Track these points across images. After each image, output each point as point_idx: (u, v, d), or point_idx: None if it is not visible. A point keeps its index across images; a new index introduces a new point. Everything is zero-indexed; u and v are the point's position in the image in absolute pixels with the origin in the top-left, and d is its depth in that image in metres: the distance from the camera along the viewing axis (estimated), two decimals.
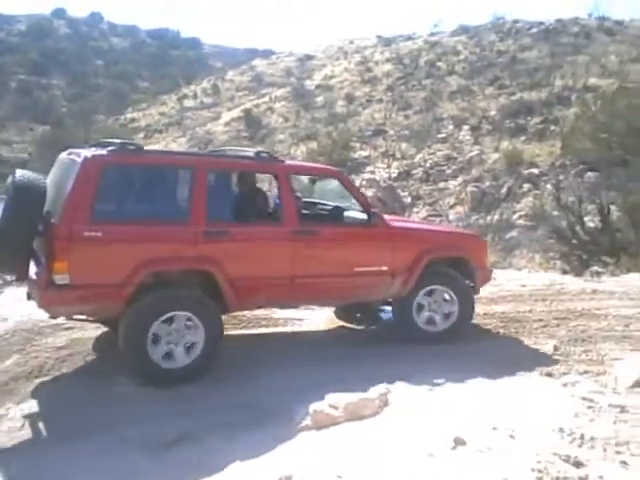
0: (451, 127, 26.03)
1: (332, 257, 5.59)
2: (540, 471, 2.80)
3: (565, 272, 10.63)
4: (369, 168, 23.05)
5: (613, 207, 13.17)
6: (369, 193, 16.00)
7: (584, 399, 4.00)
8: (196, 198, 4.96)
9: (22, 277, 5.03)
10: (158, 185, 5.20)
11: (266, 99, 38.13)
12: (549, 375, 4.98)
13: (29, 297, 5.14)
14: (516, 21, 43.18)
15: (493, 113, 26.28)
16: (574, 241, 12.08)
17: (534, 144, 22.46)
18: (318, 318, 6.71)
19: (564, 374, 4.94)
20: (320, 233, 5.47)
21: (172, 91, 49.55)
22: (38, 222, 4.62)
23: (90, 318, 5.23)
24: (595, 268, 10.87)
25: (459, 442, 3.09)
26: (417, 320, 5.89)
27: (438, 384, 4.51)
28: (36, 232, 4.63)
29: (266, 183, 8.87)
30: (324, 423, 3.94)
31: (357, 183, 18.41)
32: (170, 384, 4.68)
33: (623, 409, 3.77)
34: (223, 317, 5.06)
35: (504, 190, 18.99)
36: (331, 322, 6.59)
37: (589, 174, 18.14)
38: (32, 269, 4.84)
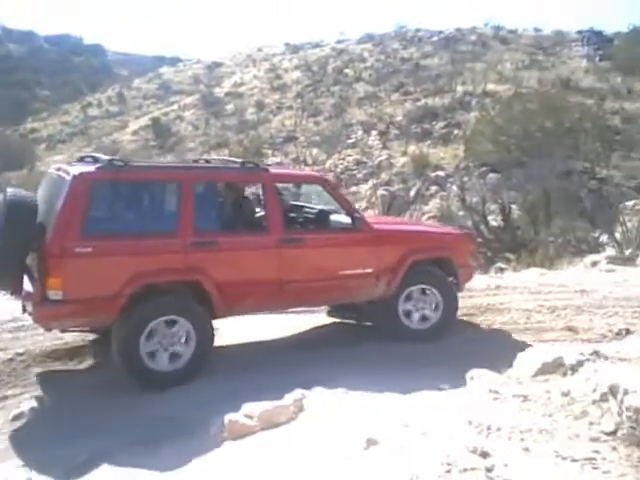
0: (360, 132, 26.53)
1: (317, 262, 5.70)
2: (449, 464, 2.88)
3: None
4: None
5: (514, 206, 13.85)
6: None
7: (490, 391, 4.14)
8: (183, 210, 5.09)
9: (16, 292, 5.09)
10: (146, 199, 5.33)
11: (175, 107, 37.50)
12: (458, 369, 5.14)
13: (24, 310, 5.20)
14: (418, 30, 44.70)
15: (400, 118, 27.02)
16: (479, 239, 12.59)
17: (439, 147, 23.30)
18: (235, 327, 6.62)
19: (472, 368, 5.11)
20: (305, 240, 5.62)
21: (75, 99, 47.73)
22: (31, 238, 4.72)
23: (84, 329, 5.40)
24: (499, 264, 11.38)
25: (372, 442, 3.13)
26: (403, 319, 6.01)
27: (355, 386, 4.55)
28: (29, 248, 4.75)
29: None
30: (240, 433, 3.89)
31: None
32: (164, 386, 4.80)
33: (526, 398, 3.93)
34: None
35: (413, 193, 19.58)
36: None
37: (491, 175, 19.00)
38: (26, 284, 4.89)
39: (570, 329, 6.18)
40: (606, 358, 4.29)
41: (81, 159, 5.54)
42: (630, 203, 14.65)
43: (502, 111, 21.08)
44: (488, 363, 5.24)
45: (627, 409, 3.06)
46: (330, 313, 6.81)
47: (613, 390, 3.26)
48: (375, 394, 4.42)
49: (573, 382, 3.92)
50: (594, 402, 3.46)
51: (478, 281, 8.31)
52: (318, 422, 3.69)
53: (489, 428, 3.56)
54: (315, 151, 25.18)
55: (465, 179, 19.11)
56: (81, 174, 4.81)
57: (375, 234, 5.90)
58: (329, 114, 29.93)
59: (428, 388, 4.59)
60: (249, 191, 6.72)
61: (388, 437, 3.28)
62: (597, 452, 2.99)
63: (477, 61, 34.28)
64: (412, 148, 23.23)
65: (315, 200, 6.68)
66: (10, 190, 4.93)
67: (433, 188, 19.66)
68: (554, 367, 4.37)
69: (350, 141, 25.73)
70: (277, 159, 24.92)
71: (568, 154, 17.09)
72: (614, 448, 2.97)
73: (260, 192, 5.78)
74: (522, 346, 5.64)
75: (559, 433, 3.35)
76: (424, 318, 6.08)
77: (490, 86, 28.12)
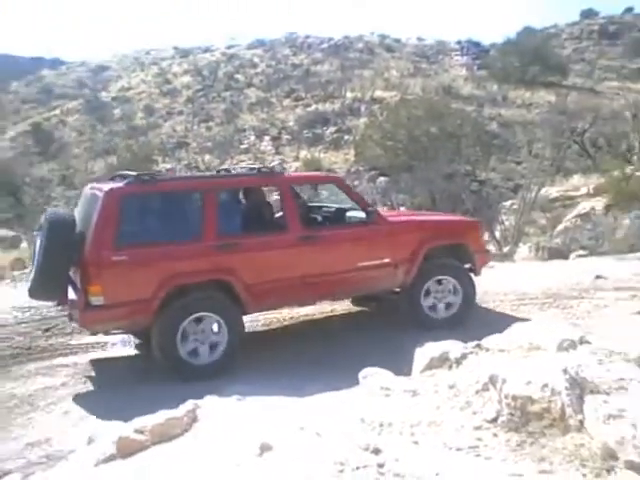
0: (253, 138, 26.51)
1: (336, 256, 6.03)
2: (342, 464, 2.91)
3: None
4: None
5: (402, 208, 14.33)
6: None
7: (382, 388, 4.23)
8: (207, 217, 5.54)
9: (63, 302, 5.61)
10: (172, 209, 5.75)
11: (57, 112, 35.63)
12: (352, 370, 5.24)
13: (70, 318, 5.71)
14: (307, 36, 45.34)
15: (292, 124, 27.28)
16: None
17: (331, 152, 23.75)
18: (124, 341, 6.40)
19: (367, 367, 5.21)
20: (323, 236, 6.01)
21: None
22: (72, 252, 5.17)
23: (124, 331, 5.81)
24: None
25: (265, 448, 3.11)
26: (426, 310, 6.38)
27: (250, 392, 4.51)
28: (72, 261, 5.23)
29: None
30: (130, 450, 3.73)
31: None
32: (200, 379, 5.14)
33: (415, 393, 4.05)
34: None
35: (306, 197, 19.78)
36: None
37: (381, 179, 19.60)
38: (70, 294, 5.39)
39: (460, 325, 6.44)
40: (487, 350, 4.50)
41: (112, 178, 6.11)
42: (507, 203, 15.61)
43: (389, 117, 21.81)
44: (382, 361, 5.40)
45: (505, 397, 3.22)
46: (355, 302, 7.25)
47: (493, 380, 3.42)
48: (271, 399, 4.41)
49: (458, 375, 4.08)
50: (477, 392, 3.61)
51: None
52: (212, 432, 3.62)
53: (381, 424, 3.64)
54: (207, 157, 24.84)
55: (356, 183, 19.57)
56: (111, 190, 5.33)
57: (390, 226, 6.26)
58: (221, 119, 29.68)
59: (324, 389, 4.64)
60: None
61: (283, 441, 3.27)
62: (480, 440, 3.13)
63: (365, 68, 35.28)
64: (304, 153, 23.51)
65: (333, 199, 7.00)
66: (50, 210, 5.64)
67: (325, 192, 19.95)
68: (441, 361, 4.52)
69: (243, 146, 25.64)
70: (168, 165, 24.34)
71: (451, 158, 17.95)
72: (495, 435, 3.12)
73: (278, 194, 6.20)
74: (414, 342, 5.85)
75: (446, 424, 3.48)
76: (447, 306, 6.44)
77: (378, 93, 29.05)
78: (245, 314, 5.68)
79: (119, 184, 5.48)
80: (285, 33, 46.64)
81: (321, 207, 6.94)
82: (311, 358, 5.67)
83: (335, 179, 6.64)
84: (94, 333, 5.78)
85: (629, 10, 50.65)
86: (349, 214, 6.30)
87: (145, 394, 4.91)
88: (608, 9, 50.93)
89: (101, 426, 4.04)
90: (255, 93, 33.06)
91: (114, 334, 5.95)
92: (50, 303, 6.16)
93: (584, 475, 2.56)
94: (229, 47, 45.47)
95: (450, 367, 4.44)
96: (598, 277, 7.69)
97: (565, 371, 3.13)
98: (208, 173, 7.07)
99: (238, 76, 36.68)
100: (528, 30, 43.70)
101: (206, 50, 45.59)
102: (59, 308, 6.06)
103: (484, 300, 7.15)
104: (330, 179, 6.73)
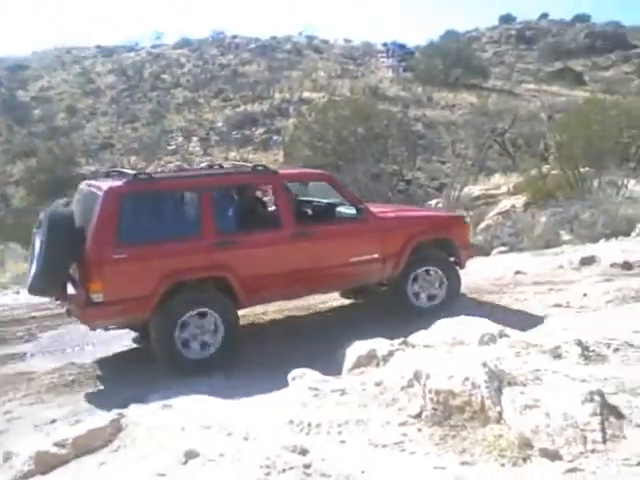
0: (180, 139, 26.05)
1: (328, 252, 6.18)
2: (268, 467, 2.90)
3: None
4: None
5: None
6: None
7: (310, 388, 4.24)
8: (204, 214, 5.65)
9: (62, 298, 5.74)
10: (170, 207, 5.86)
11: None
12: (282, 371, 5.22)
13: (69, 314, 5.88)
14: (235, 36, 44.95)
15: (220, 124, 26.97)
16: None
17: (260, 153, 23.63)
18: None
19: (295, 368, 5.21)
20: (316, 232, 6.11)
21: None
22: (72, 249, 5.25)
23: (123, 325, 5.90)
24: None
25: (191, 455, 3.06)
26: (412, 299, 6.57)
27: (177, 399, 4.43)
28: (72, 258, 5.31)
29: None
30: (50, 464, 3.59)
31: None
32: (198, 372, 5.28)
33: (343, 392, 4.08)
34: None
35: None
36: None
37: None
38: (70, 289, 5.51)
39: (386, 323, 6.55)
40: (413, 346, 4.59)
41: (107, 174, 6.33)
42: (433, 202, 16.00)
43: (318, 118, 21.88)
44: (310, 361, 5.41)
45: (429, 392, 3.30)
46: (344, 295, 7.35)
47: (417, 376, 3.50)
48: (200, 404, 4.34)
49: (385, 372, 4.15)
50: (402, 389, 3.68)
51: None
52: (136, 442, 3.53)
53: (309, 425, 3.65)
54: (134, 158, 24.21)
55: None
56: (111, 189, 5.38)
57: (379, 222, 6.40)
58: (147, 120, 28.98)
59: (252, 392, 4.61)
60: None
61: (209, 447, 3.22)
62: (405, 435, 3.19)
63: (293, 69, 35.31)
64: (233, 154, 23.29)
65: (321, 195, 6.99)
66: (49, 208, 5.70)
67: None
68: (368, 359, 4.58)
69: (170, 148, 25.16)
70: (92, 168, 23.58)
71: (378, 158, 18.23)
72: (419, 429, 3.19)
73: (271, 192, 6.29)
74: (342, 343, 5.90)
75: (373, 422, 3.52)
76: (432, 296, 6.62)
77: (306, 93, 29.13)
78: (239, 308, 5.82)
79: (118, 183, 5.54)
80: (212, 32, 46.09)
81: (311, 202, 7.06)
82: (244, 359, 5.61)
83: (326, 176, 6.81)
84: (94, 328, 5.79)
85: (544, 16, 53.02)
86: (339, 210, 6.45)
87: (73, 406, 4.74)
88: (525, 14, 52.95)
89: (19, 441, 3.85)
90: (182, 93, 32.47)
91: (112, 329, 6.00)
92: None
93: (502, 465, 2.65)
94: (154, 46, 44.52)
95: (378, 364, 4.51)
96: (518, 272, 7.98)
97: (485, 365, 3.23)
98: (202, 169, 7.10)
99: (164, 76, 35.92)
100: (451, 33, 45.05)
101: (131, 49, 44.43)
102: (57, 303, 6.14)
103: None
104: (322, 176, 6.83)
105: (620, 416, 2.71)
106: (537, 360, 3.52)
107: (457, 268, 6.82)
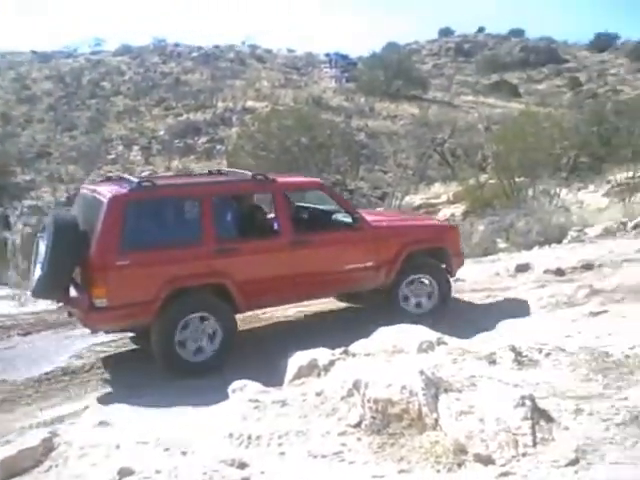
0: (121, 148, 25.50)
1: (324, 259, 6.33)
2: None
3: None
4: (33, 193, 21.18)
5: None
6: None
7: (251, 400, 4.20)
8: (205, 222, 5.75)
9: (64, 301, 5.84)
10: (172, 214, 6.00)
11: None
12: (226, 383, 5.16)
13: (69, 315, 6.14)
14: (177, 44, 44.44)
15: (162, 133, 26.57)
16: None
17: (203, 162, 23.38)
18: None
19: (238, 380, 5.16)
20: (313, 240, 6.24)
21: None
22: (76, 252, 5.36)
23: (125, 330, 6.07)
24: None
25: (125, 473, 2.98)
26: (403, 304, 6.68)
27: (114, 415, 4.31)
28: (76, 262, 5.41)
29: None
30: None
31: (19, 210, 16.81)
32: (195, 375, 5.41)
33: (284, 403, 4.05)
34: None
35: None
36: None
37: None
38: (72, 292, 5.63)
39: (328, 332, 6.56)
40: (354, 355, 4.62)
41: (108, 179, 6.44)
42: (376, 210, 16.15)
43: (261, 127, 21.86)
44: (252, 372, 5.37)
45: (368, 401, 3.31)
46: (339, 298, 7.41)
47: (357, 385, 3.51)
48: (135, 420, 4.24)
49: (326, 382, 4.15)
50: (342, 398, 3.69)
51: None
52: (68, 461, 3.41)
53: (249, 438, 3.61)
54: (72, 167, 23.54)
55: None
56: (116, 196, 5.46)
57: (374, 231, 6.53)
58: (86, 128, 28.23)
59: (192, 405, 4.55)
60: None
61: (145, 464, 3.15)
62: (344, 445, 3.19)
63: (236, 78, 35.17)
64: (175, 163, 22.98)
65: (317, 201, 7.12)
66: (55, 212, 5.96)
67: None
68: (310, 369, 4.57)
69: (110, 157, 24.59)
70: (28, 177, 22.81)
71: (322, 167, 18.34)
72: (359, 439, 3.20)
73: (270, 200, 6.39)
74: (284, 352, 5.88)
75: (313, 433, 3.52)
76: (424, 302, 6.76)
77: (249, 103, 29.05)
78: (237, 313, 5.95)
79: (123, 190, 5.60)
80: (153, 40, 45.42)
81: (308, 208, 7.17)
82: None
83: (323, 185, 7.01)
84: (96, 332, 5.99)
85: (481, 30, 54.68)
86: (335, 217, 6.58)
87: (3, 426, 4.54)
88: (463, 28, 54.49)
89: None
90: (123, 101, 31.81)
91: (115, 332, 6.19)
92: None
93: (438, 471, 2.69)
94: (94, 53, 43.52)
95: (319, 374, 4.51)
96: (457, 280, 8.15)
97: (422, 372, 3.27)
98: (202, 176, 7.19)
99: (104, 83, 35.12)
100: (392, 45, 45.85)
101: (69, 55, 43.27)
102: (59, 305, 6.22)
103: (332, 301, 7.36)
104: (318, 185, 6.98)
105: (550, 419, 2.79)
106: (473, 366, 3.59)
107: (448, 276, 6.97)
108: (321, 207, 6.96)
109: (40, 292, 5.72)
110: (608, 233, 9.81)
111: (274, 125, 21.16)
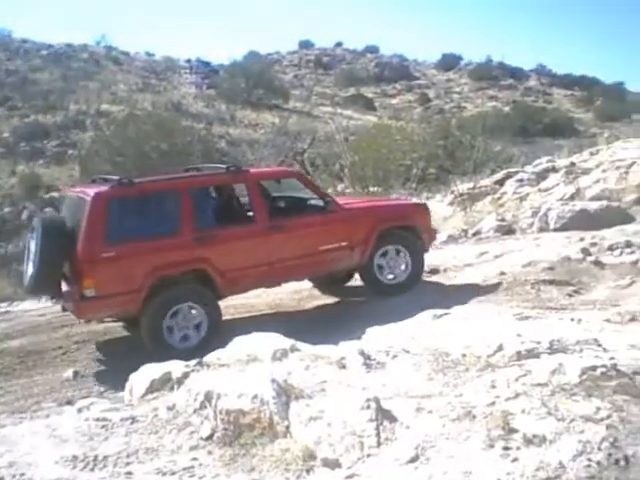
0: None
1: (300, 242, 6.74)
2: None
3: None
4: None
5: None
6: None
7: (98, 420, 4.00)
8: (184, 213, 6.19)
9: (57, 296, 6.33)
10: (152, 207, 6.31)
11: None
12: (69, 403, 4.88)
13: (64, 309, 6.49)
14: (25, 41, 41.42)
15: (6, 135, 24.62)
16: None
17: (53, 167, 21.98)
18: None
19: (83, 398, 4.89)
20: (288, 225, 6.68)
21: None
22: (64, 249, 5.82)
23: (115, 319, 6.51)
24: None
25: None
26: (377, 274, 7.21)
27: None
28: (64, 258, 5.87)
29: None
30: None
31: None
32: (184, 359, 5.01)
33: (134, 420, 3.91)
34: None
35: (25, 216, 18.01)
36: None
37: None
38: (64, 287, 6.10)
39: None
40: (209, 366, 4.55)
41: (93, 181, 6.90)
42: None
43: (117, 132, 20.99)
44: (102, 390, 5.12)
45: (220, 412, 3.28)
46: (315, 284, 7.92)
47: (209, 397, 3.47)
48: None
49: (178, 395, 4.04)
50: (195, 411, 3.62)
51: None
52: None
53: (95, 459, 3.43)
54: None
55: None
56: (98, 194, 5.92)
57: (346, 212, 7.02)
58: None
59: (24, 429, 4.23)
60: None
61: None
62: (195, 459, 3.13)
63: (90, 80, 33.45)
64: (21, 168, 21.38)
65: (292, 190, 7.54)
66: (41, 214, 6.64)
67: (48, 210, 18.42)
68: (162, 383, 4.43)
69: None
70: None
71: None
72: (210, 452, 3.15)
73: (245, 189, 6.81)
74: (136, 366, 5.67)
75: (164, 449, 3.42)
76: (399, 273, 7.28)
77: (105, 106, 27.77)
78: (220, 299, 6.36)
79: (105, 188, 6.07)
80: None
81: (283, 197, 7.63)
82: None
83: (296, 173, 7.68)
84: (88, 321, 6.42)
85: (339, 44, 56.53)
86: (309, 203, 7.02)
87: None
88: (322, 42, 55.99)
89: None
90: None
91: (107, 321, 6.54)
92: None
93: (287, 478, 2.72)
94: None
95: (172, 388, 4.38)
96: (315, 286, 8.32)
97: (273, 380, 3.30)
98: (181, 174, 7.28)
99: None
100: (253, 54, 46.07)
101: None
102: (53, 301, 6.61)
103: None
104: (292, 174, 7.65)
105: (393, 419, 2.92)
106: (324, 372, 3.67)
107: (421, 250, 7.47)
108: (296, 194, 7.40)
109: (33, 289, 6.16)
110: (452, 240, 10.47)
111: (132, 130, 20.41)
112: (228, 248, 6.37)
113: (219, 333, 5.96)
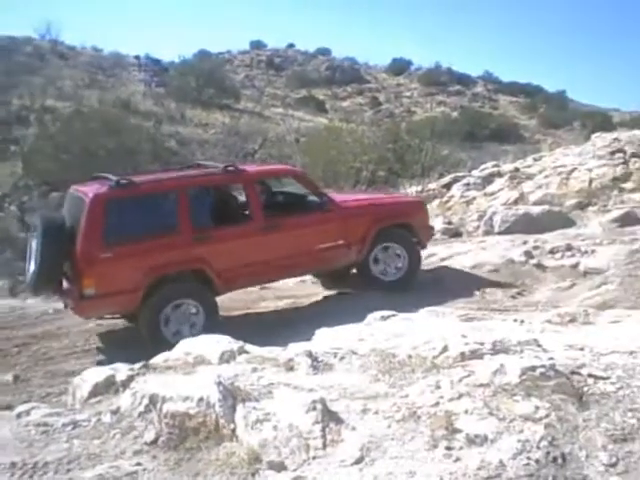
0: None
1: (296, 241, 6.85)
2: None
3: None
4: None
5: None
6: None
7: (39, 425, 3.89)
8: (182, 213, 6.31)
9: (60, 293, 6.62)
10: (151, 207, 6.36)
11: None
12: (8, 408, 4.71)
13: (66, 306, 6.65)
14: None
15: None
16: None
17: None
18: None
19: (23, 403, 4.74)
20: (284, 224, 6.78)
21: None
22: (64, 248, 6.04)
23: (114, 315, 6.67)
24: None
25: None
26: (374, 271, 7.33)
27: None
28: (65, 257, 6.10)
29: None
30: None
31: None
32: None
33: (76, 425, 3.81)
34: None
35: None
36: None
37: (54, 194, 18.17)
38: (65, 285, 6.38)
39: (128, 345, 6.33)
40: (155, 369, 4.48)
41: (95, 178, 6.80)
42: None
43: (63, 129, 20.43)
44: (43, 394, 4.98)
45: (165, 416, 3.23)
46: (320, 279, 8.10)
47: (153, 400, 3.41)
48: None
49: (123, 399, 3.96)
50: (139, 415, 3.56)
51: (34, 308, 7.83)
52: None
53: (35, 466, 3.34)
54: None
55: (25, 198, 17.85)
56: (96, 195, 6.02)
57: (342, 211, 7.09)
58: None
59: None
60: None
61: None
62: (139, 464, 3.08)
63: (34, 75, 32.41)
64: None
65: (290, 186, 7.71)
66: (42, 212, 6.84)
67: None
68: (107, 387, 4.34)
69: None
70: None
71: (131, 173, 17.57)
72: (154, 456, 3.10)
73: (242, 189, 6.95)
74: (80, 370, 5.53)
75: (107, 454, 3.34)
76: (395, 270, 7.41)
77: (49, 102, 26.98)
78: (217, 295, 6.49)
79: (103, 189, 6.13)
80: None
81: (284, 193, 7.75)
82: None
83: (293, 172, 7.64)
84: (87, 319, 6.61)
85: (291, 46, 56.48)
86: (305, 201, 7.12)
87: None
88: (274, 42, 55.71)
89: None
90: None
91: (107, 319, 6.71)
92: None
93: None
94: None
95: (116, 391, 4.29)
96: (263, 287, 8.30)
97: (219, 383, 3.27)
98: (179, 173, 7.22)
99: None
100: (204, 53, 45.54)
101: None
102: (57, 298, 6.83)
103: None
104: (289, 172, 7.64)
105: (340, 421, 2.94)
106: (271, 374, 3.66)
107: (418, 247, 7.61)
108: (294, 192, 7.50)
109: (34, 285, 6.34)
110: None
111: (78, 127, 19.89)
112: (225, 248, 6.48)
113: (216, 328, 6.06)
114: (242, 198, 7.21)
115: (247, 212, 6.91)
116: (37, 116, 24.82)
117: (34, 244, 6.23)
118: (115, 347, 6.44)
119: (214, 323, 6.24)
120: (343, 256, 7.21)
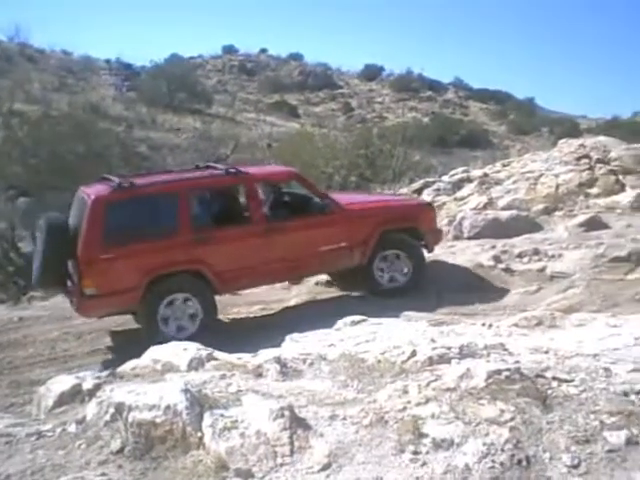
0: None
1: (298, 244, 6.84)
2: None
3: (2, 301, 10.11)
4: None
5: None
6: None
7: (2, 436, 3.81)
8: (182, 214, 6.40)
9: (64, 291, 6.87)
10: (151, 209, 6.43)
11: None
12: None
13: (71, 302, 6.76)
14: None
15: None
16: (10, 268, 11.64)
17: None
18: None
19: None
20: (286, 227, 6.81)
21: None
22: (67, 247, 6.22)
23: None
24: (32, 294, 10.72)
25: None
26: (379, 278, 7.29)
27: None
28: (68, 257, 6.30)
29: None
30: None
31: None
32: None
33: (40, 435, 3.75)
34: None
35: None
36: None
37: (21, 199, 17.83)
38: (69, 284, 6.58)
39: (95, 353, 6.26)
40: (122, 377, 4.42)
41: (100, 179, 6.95)
42: None
43: (31, 132, 20.11)
44: (7, 404, 4.87)
45: (131, 425, 3.19)
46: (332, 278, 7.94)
47: (119, 409, 3.37)
48: None
49: (89, 408, 3.90)
50: (105, 424, 3.51)
51: (1, 316, 7.69)
52: None
53: None
54: None
55: None
56: (97, 197, 6.18)
57: (346, 213, 7.06)
58: None
59: None
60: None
61: None
62: (104, 475, 3.03)
63: (2, 77, 31.85)
64: None
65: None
66: (46, 214, 6.64)
67: None
68: (72, 396, 4.27)
69: None
70: None
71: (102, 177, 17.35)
72: (120, 466, 3.06)
73: (244, 191, 6.99)
74: (45, 378, 5.43)
75: (72, 465, 3.29)
76: (399, 276, 7.33)
77: (17, 105, 26.52)
78: (217, 294, 6.59)
79: (105, 191, 6.28)
80: None
81: (287, 194, 7.79)
82: None
83: (295, 174, 7.51)
84: (89, 317, 6.76)
85: (264, 51, 56.39)
86: (309, 203, 7.03)
87: None
88: (246, 47, 55.50)
89: None
90: None
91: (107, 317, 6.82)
92: None
93: None
94: None
95: (82, 401, 4.23)
96: (234, 293, 8.26)
97: (186, 391, 3.24)
98: (180, 175, 7.23)
99: None
100: (175, 57, 45.22)
101: None
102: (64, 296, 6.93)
103: None
104: (291, 175, 7.54)
105: (307, 427, 2.93)
106: (240, 380, 3.65)
107: (423, 252, 7.52)
108: (297, 194, 7.50)
109: (38, 281, 6.56)
110: None
111: (46, 131, 19.60)
112: (225, 250, 6.57)
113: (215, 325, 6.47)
114: (244, 200, 7.30)
115: (248, 214, 6.98)
116: (4, 120, 24.34)
117: (38, 244, 6.46)
118: (86, 355, 6.36)
119: (210, 321, 6.46)
120: (345, 258, 7.21)
